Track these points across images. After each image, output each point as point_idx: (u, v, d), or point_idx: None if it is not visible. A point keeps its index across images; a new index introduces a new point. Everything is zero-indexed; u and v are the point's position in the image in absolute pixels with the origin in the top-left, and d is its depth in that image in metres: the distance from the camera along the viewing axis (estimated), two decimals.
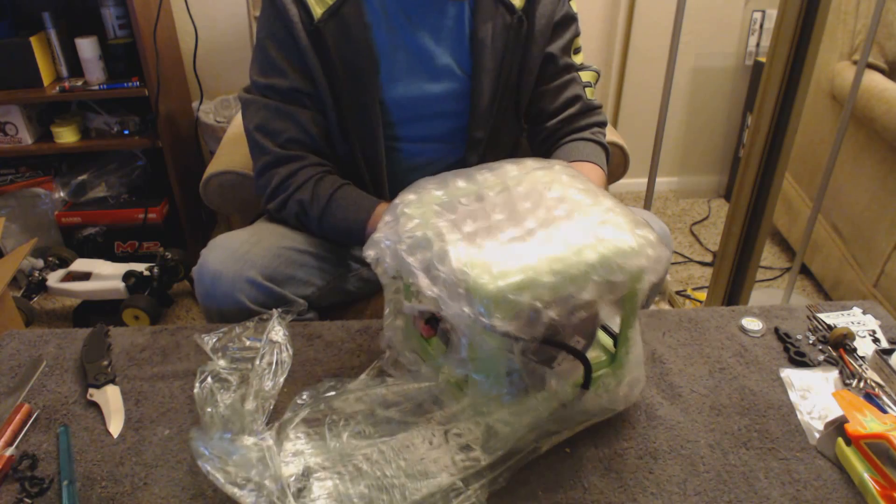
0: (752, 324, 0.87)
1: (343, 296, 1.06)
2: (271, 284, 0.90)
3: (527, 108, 1.07)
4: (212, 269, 0.88)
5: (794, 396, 0.76)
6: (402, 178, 1.08)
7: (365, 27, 0.94)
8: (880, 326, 0.86)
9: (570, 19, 1.04)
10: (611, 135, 1.39)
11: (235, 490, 0.59)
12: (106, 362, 0.80)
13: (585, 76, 1.07)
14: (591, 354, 0.67)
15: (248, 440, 0.64)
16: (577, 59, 1.07)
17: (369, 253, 0.69)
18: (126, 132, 1.88)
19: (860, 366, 0.79)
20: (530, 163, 0.74)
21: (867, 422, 0.67)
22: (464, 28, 0.99)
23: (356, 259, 1.07)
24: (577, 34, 1.05)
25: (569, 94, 1.04)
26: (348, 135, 0.99)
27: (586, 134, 1.04)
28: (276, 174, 0.97)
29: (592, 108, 1.07)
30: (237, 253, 0.90)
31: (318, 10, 0.92)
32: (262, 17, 0.97)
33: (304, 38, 0.92)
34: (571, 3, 1.04)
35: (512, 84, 1.02)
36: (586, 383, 0.66)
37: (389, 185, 1.05)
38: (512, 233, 0.62)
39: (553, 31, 1.02)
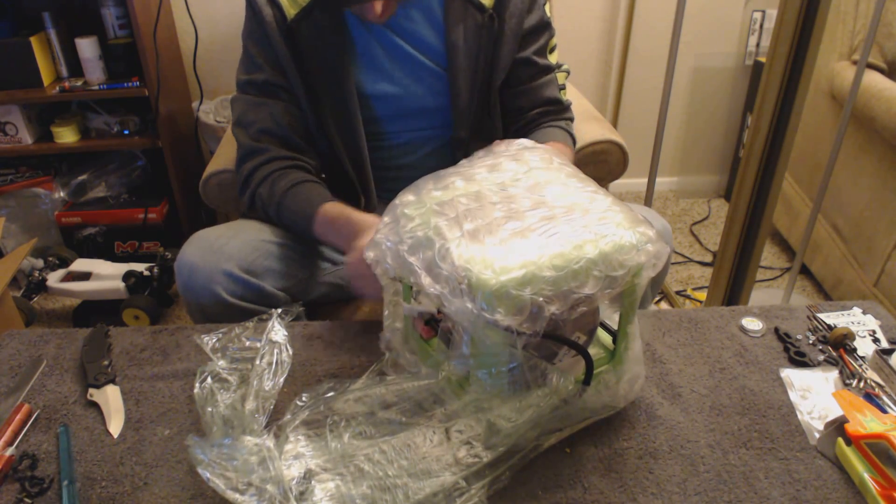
0: (752, 324, 0.87)
1: (332, 289, 1.06)
2: (248, 276, 0.90)
3: (505, 106, 1.08)
4: (188, 261, 0.89)
5: (794, 396, 0.76)
6: (389, 175, 1.08)
7: (340, 25, 0.96)
8: (880, 326, 0.86)
9: (545, 25, 1.05)
10: (609, 133, 1.40)
11: (237, 496, 0.58)
12: (106, 362, 0.80)
13: (561, 78, 1.10)
14: (591, 351, 0.67)
15: (249, 441, 0.64)
16: (554, 59, 1.09)
17: (369, 254, 0.69)
18: (126, 132, 1.88)
19: (860, 366, 0.79)
20: (528, 161, 0.74)
21: (867, 422, 0.67)
22: (437, 30, 0.99)
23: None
24: (552, 35, 1.07)
25: (548, 94, 1.07)
26: (328, 129, 1.00)
27: (561, 123, 1.09)
28: (244, 169, 0.99)
29: (567, 107, 1.12)
30: (213, 246, 0.90)
31: (291, 11, 0.94)
32: (245, 18, 0.99)
33: (278, 36, 0.94)
34: (546, 6, 1.05)
35: (487, 82, 1.03)
36: (587, 379, 0.66)
37: (376, 182, 1.06)
38: (512, 229, 0.63)
39: (529, 37, 1.03)
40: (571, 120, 1.13)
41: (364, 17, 0.94)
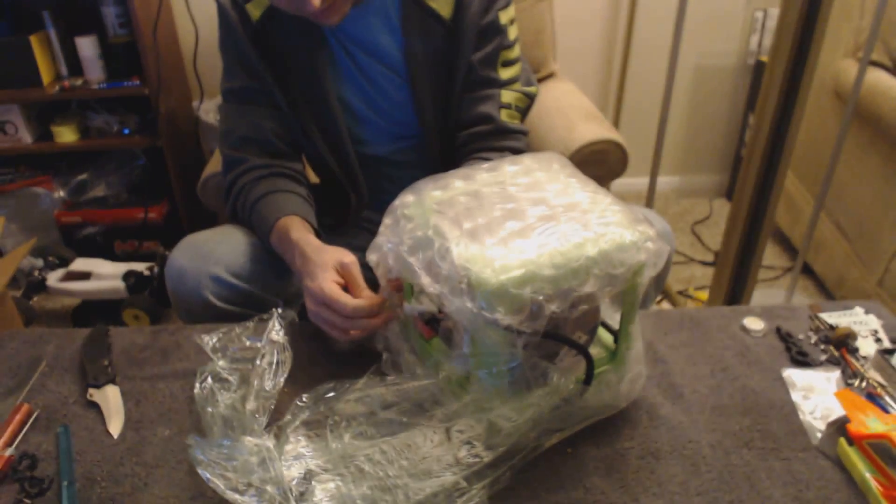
0: (754, 324, 0.87)
1: None
2: (237, 281, 0.90)
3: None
4: (177, 266, 0.89)
5: (796, 396, 0.76)
6: (377, 176, 1.06)
7: (310, 24, 0.92)
8: (882, 326, 0.86)
9: (495, 30, 0.96)
10: (608, 132, 1.39)
11: (237, 496, 0.58)
12: (106, 362, 0.79)
13: (508, 97, 0.99)
14: (592, 351, 0.67)
15: (249, 442, 0.63)
16: (506, 74, 1.00)
17: (371, 258, 0.69)
18: (126, 131, 1.88)
19: (862, 366, 0.79)
20: (528, 161, 0.74)
21: (869, 422, 0.67)
22: (395, 40, 0.96)
23: None
24: (504, 47, 0.98)
25: (482, 110, 0.98)
26: (309, 129, 0.98)
27: (494, 155, 0.98)
28: (225, 181, 0.98)
29: (508, 132, 0.99)
30: (202, 250, 0.90)
31: (255, 13, 0.92)
32: (218, 27, 0.98)
33: (246, 40, 0.92)
34: (503, 12, 0.96)
35: (448, 94, 0.99)
36: (588, 378, 0.66)
37: (367, 183, 1.04)
38: (512, 228, 0.62)
39: (477, 40, 0.96)
40: (516, 152, 0.99)
41: (311, 18, 0.84)
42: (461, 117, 1.00)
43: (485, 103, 0.99)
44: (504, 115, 0.99)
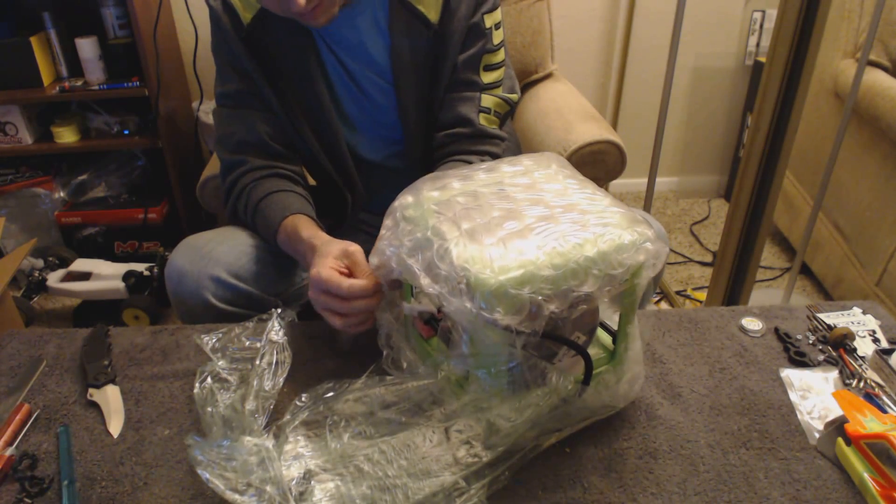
0: (752, 324, 0.87)
1: None
2: (237, 282, 0.90)
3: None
4: (177, 267, 0.89)
5: (794, 396, 0.76)
6: (372, 178, 1.06)
7: (300, 27, 0.92)
8: (880, 326, 0.86)
9: (479, 33, 0.96)
10: (607, 133, 1.39)
11: (236, 496, 0.58)
12: (106, 362, 0.80)
13: (488, 101, 0.99)
14: (591, 351, 0.67)
15: (248, 442, 0.64)
16: (488, 77, 0.99)
17: (374, 261, 0.69)
18: (126, 132, 1.88)
19: (860, 366, 0.79)
20: (526, 161, 0.74)
21: (867, 422, 0.67)
22: (382, 43, 0.96)
23: None
24: (487, 50, 0.98)
25: (461, 112, 0.98)
26: (303, 131, 0.98)
27: (473, 158, 0.98)
28: (226, 182, 0.99)
29: (486, 136, 1.00)
30: (202, 251, 0.90)
31: (246, 16, 0.92)
32: (210, 31, 0.98)
33: (238, 43, 0.92)
34: (488, 15, 0.96)
35: (431, 98, 0.99)
36: (587, 378, 0.66)
37: (363, 184, 1.05)
38: (511, 229, 0.63)
39: (463, 43, 0.96)
40: (494, 156, 0.99)
41: (298, 19, 0.84)
42: (440, 118, 1.00)
43: (463, 105, 0.98)
44: (482, 119, 0.99)
